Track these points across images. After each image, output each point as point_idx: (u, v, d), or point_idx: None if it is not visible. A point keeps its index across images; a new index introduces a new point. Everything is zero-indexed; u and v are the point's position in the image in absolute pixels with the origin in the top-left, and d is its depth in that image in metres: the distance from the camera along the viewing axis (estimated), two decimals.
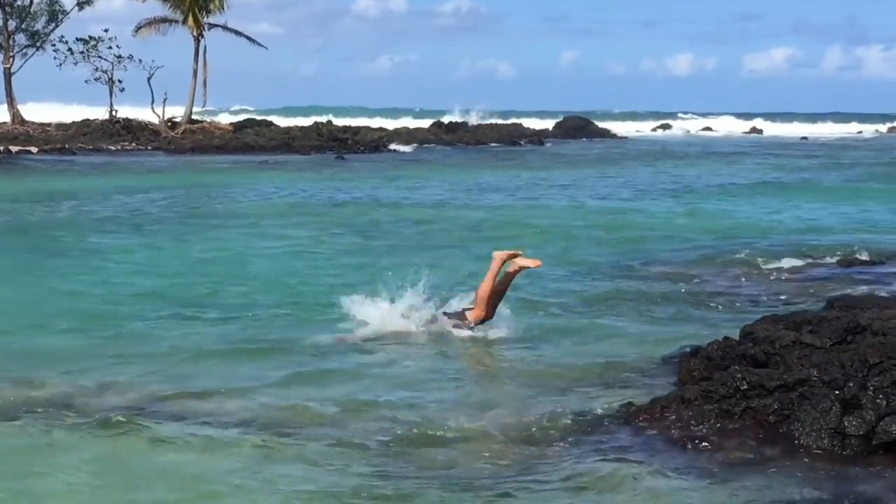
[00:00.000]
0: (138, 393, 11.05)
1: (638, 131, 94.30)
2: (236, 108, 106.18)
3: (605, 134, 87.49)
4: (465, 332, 13.50)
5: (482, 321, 13.65)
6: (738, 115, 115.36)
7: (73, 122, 70.88)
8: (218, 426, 9.87)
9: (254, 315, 15.06)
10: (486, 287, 13.54)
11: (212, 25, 69.46)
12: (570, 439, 9.50)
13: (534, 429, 9.73)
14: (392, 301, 13.84)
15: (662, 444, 9.35)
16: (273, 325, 14.40)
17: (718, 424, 9.50)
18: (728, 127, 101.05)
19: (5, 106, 70.82)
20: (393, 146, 66.69)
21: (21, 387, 11.20)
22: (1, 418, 10.10)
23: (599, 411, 10.24)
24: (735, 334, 11.46)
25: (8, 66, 69.27)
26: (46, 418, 10.07)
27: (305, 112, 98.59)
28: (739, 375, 9.72)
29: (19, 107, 70.43)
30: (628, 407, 10.07)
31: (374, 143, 67.80)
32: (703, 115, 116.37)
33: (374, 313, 13.82)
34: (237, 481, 8.50)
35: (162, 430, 9.67)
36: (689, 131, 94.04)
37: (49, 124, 70.34)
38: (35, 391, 11.06)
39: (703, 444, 9.30)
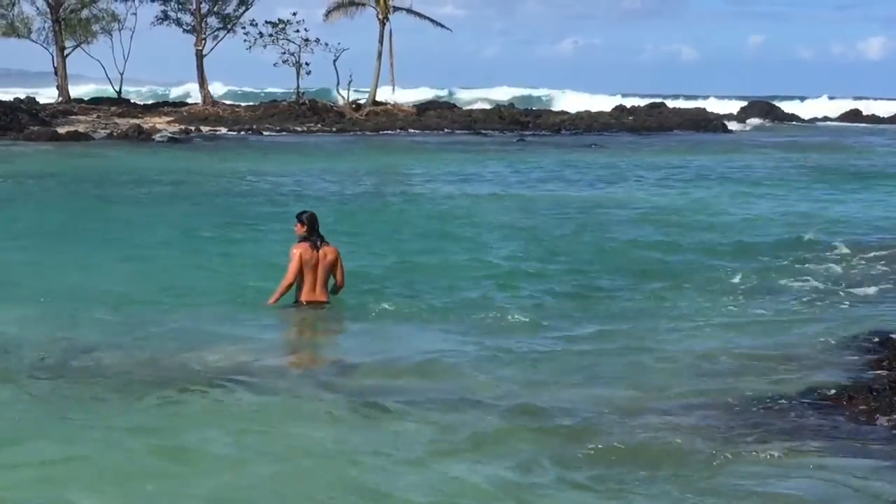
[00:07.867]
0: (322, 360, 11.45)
1: (826, 117, 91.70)
2: (417, 89, 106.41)
3: (793, 119, 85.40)
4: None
5: None
6: None
7: (261, 104, 72.66)
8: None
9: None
10: None
11: (397, 8, 70.16)
12: (751, 424, 9.38)
13: (715, 417, 9.63)
14: None
15: (846, 432, 9.19)
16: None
17: None
18: None
19: (197, 86, 72.96)
20: (574, 130, 66.56)
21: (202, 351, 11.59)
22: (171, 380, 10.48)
23: (783, 397, 10.08)
24: None
25: (200, 48, 71.20)
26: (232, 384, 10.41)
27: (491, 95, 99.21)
28: None
29: (209, 87, 72.48)
30: (813, 393, 9.91)
31: (556, 126, 67.81)
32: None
33: None
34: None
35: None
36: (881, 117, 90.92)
37: (238, 105, 72.21)
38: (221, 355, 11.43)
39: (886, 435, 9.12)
